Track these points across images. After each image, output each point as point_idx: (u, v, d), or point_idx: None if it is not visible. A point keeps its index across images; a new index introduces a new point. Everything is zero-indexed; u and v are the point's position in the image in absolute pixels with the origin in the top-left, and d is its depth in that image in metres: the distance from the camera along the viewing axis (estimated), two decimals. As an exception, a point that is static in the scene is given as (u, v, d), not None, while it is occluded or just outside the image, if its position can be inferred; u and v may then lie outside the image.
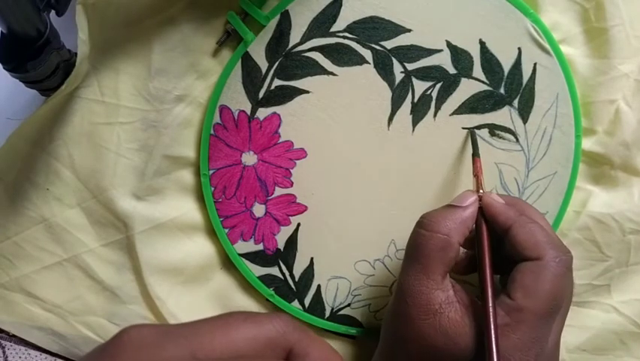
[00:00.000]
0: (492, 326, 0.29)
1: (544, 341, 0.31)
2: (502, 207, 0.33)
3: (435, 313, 0.31)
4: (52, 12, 0.34)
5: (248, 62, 0.39)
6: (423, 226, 0.33)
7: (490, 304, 0.30)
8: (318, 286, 0.41)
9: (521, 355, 0.30)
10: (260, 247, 0.41)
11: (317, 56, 0.38)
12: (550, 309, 0.31)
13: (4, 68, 0.34)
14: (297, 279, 0.41)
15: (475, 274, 0.33)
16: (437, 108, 0.39)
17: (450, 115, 0.39)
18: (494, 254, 0.33)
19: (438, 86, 0.39)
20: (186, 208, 0.40)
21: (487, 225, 0.34)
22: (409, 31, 0.38)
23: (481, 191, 0.35)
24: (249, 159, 0.40)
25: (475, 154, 0.38)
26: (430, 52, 0.39)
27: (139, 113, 0.39)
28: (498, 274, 0.35)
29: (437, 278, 0.32)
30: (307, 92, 0.39)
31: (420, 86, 0.39)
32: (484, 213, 0.34)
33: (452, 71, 0.39)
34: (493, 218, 0.33)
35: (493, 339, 0.29)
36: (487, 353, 0.29)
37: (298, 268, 0.41)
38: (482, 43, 0.39)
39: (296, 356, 0.21)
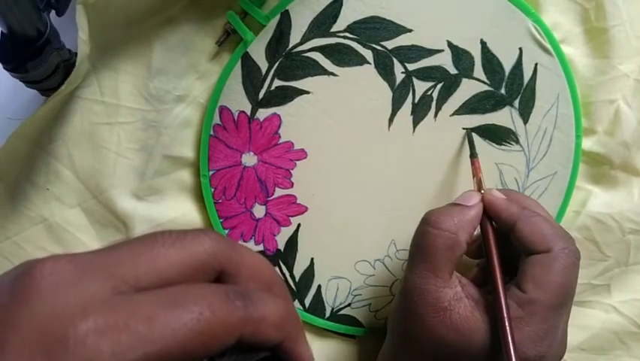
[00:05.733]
0: (506, 320, 0.29)
1: (555, 332, 0.31)
2: (505, 204, 0.33)
3: (444, 310, 0.31)
4: (53, 12, 0.34)
5: (248, 62, 0.38)
6: (430, 224, 0.32)
7: (502, 298, 0.30)
8: (319, 287, 0.41)
9: (535, 346, 0.30)
10: (260, 247, 0.41)
11: (317, 57, 0.38)
12: (561, 300, 0.31)
13: (4, 68, 0.34)
14: (297, 279, 0.41)
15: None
16: (438, 109, 0.39)
17: (450, 115, 0.39)
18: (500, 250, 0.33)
19: (439, 86, 0.39)
20: (186, 209, 0.40)
21: (492, 222, 0.34)
22: (410, 31, 0.38)
23: (482, 191, 0.35)
24: (249, 159, 0.40)
25: (473, 155, 0.38)
26: (431, 52, 0.38)
27: (139, 113, 0.39)
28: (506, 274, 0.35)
29: (445, 276, 0.32)
30: (307, 92, 0.39)
31: (421, 87, 0.39)
32: (487, 211, 0.34)
33: (453, 71, 0.39)
34: (496, 215, 0.33)
35: (509, 333, 0.29)
36: (503, 347, 0.29)
37: (298, 269, 0.41)
38: (483, 44, 0.39)
39: (227, 276, 0.19)
